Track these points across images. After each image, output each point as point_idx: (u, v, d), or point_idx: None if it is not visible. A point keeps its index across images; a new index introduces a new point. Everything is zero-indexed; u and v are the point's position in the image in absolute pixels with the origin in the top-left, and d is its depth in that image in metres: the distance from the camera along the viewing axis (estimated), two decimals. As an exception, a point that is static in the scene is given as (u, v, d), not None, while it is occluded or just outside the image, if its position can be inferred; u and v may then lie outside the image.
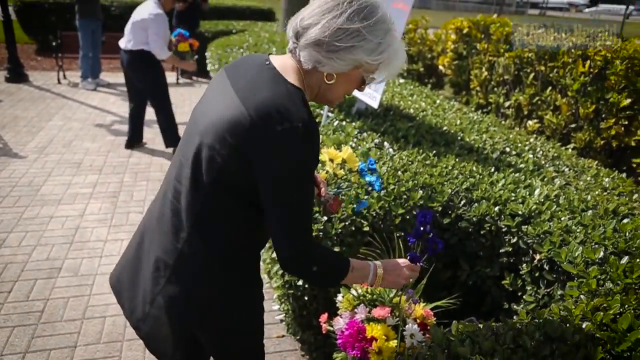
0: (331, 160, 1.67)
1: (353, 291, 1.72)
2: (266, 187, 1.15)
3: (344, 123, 3.01)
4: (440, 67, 6.12)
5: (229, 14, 10.22)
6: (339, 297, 1.77)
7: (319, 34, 1.14)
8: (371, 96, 3.05)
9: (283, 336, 2.57)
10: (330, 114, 3.19)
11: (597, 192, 2.26)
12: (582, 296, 1.49)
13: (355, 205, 1.88)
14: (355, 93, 2.96)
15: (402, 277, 1.39)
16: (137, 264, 1.39)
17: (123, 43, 4.58)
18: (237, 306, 1.36)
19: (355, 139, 2.73)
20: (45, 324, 2.56)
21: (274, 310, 2.64)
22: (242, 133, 1.12)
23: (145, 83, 4.71)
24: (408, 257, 1.45)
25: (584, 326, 1.28)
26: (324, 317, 1.79)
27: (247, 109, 1.12)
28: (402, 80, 4.66)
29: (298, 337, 2.41)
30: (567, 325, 1.30)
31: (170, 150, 5.01)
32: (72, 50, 7.57)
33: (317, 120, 2.62)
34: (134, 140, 5.13)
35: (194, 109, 1.36)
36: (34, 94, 6.97)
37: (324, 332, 1.77)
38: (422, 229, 1.43)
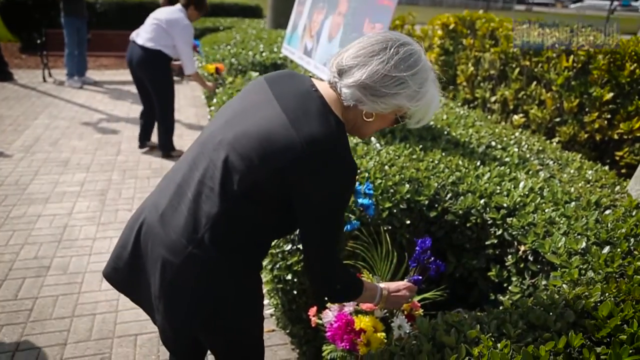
0: None
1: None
2: (306, 212, 1.23)
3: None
4: (428, 63, 6.12)
5: (216, 11, 10.17)
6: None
7: (366, 78, 1.18)
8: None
9: (273, 330, 2.58)
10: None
11: (580, 185, 2.30)
12: (564, 285, 1.53)
13: (347, 225, 1.92)
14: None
15: (403, 298, 1.53)
16: (139, 259, 1.37)
17: (141, 40, 4.36)
18: (241, 309, 1.38)
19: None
20: (34, 322, 2.55)
21: (264, 305, 2.65)
22: (290, 159, 1.16)
23: (155, 83, 4.56)
24: (408, 280, 1.59)
25: (565, 314, 1.31)
26: (312, 310, 1.81)
27: (300, 137, 1.15)
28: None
29: (288, 331, 2.43)
30: (550, 313, 1.33)
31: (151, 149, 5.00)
32: (57, 48, 7.48)
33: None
34: (145, 139, 5.04)
35: (223, 111, 1.37)
36: (19, 93, 6.90)
37: (313, 325, 1.79)
38: (422, 255, 1.60)
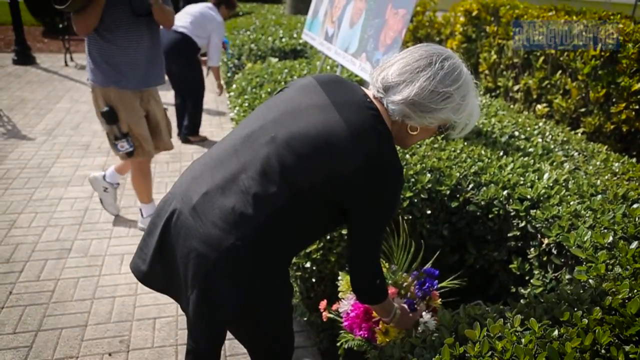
0: None
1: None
2: (360, 216, 1.28)
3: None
4: (449, 50, 5.98)
5: (235, -4, 10.09)
6: (340, 280, 1.77)
7: (414, 95, 1.21)
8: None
9: (290, 318, 2.59)
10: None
11: (606, 177, 2.25)
12: (590, 280, 1.49)
13: None
14: (359, 73, 2.94)
15: (410, 322, 1.56)
16: (167, 249, 1.36)
17: (177, 27, 4.37)
18: (275, 301, 1.39)
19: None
20: (56, 304, 2.60)
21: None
22: (352, 169, 1.21)
23: (183, 68, 4.58)
24: (405, 302, 1.63)
25: (592, 310, 1.28)
26: (322, 304, 1.80)
27: (363, 151, 1.21)
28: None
29: (305, 319, 2.43)
30: (576, 309, 1.30)
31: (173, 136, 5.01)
32: (78, 32, 7.52)
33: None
34: (190, 134, 4.96)
35: (271, 105, 1.36)
36: (41, 76, 6.97)
37: (324, 319, 1.78)
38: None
